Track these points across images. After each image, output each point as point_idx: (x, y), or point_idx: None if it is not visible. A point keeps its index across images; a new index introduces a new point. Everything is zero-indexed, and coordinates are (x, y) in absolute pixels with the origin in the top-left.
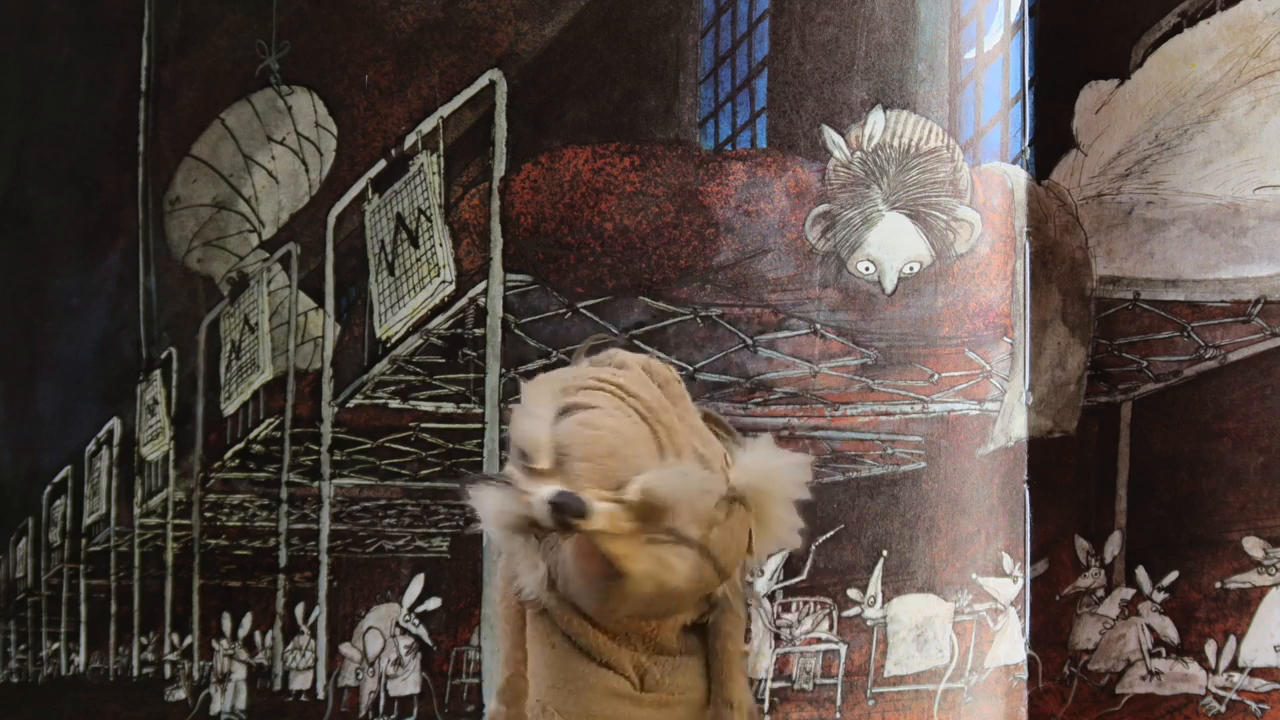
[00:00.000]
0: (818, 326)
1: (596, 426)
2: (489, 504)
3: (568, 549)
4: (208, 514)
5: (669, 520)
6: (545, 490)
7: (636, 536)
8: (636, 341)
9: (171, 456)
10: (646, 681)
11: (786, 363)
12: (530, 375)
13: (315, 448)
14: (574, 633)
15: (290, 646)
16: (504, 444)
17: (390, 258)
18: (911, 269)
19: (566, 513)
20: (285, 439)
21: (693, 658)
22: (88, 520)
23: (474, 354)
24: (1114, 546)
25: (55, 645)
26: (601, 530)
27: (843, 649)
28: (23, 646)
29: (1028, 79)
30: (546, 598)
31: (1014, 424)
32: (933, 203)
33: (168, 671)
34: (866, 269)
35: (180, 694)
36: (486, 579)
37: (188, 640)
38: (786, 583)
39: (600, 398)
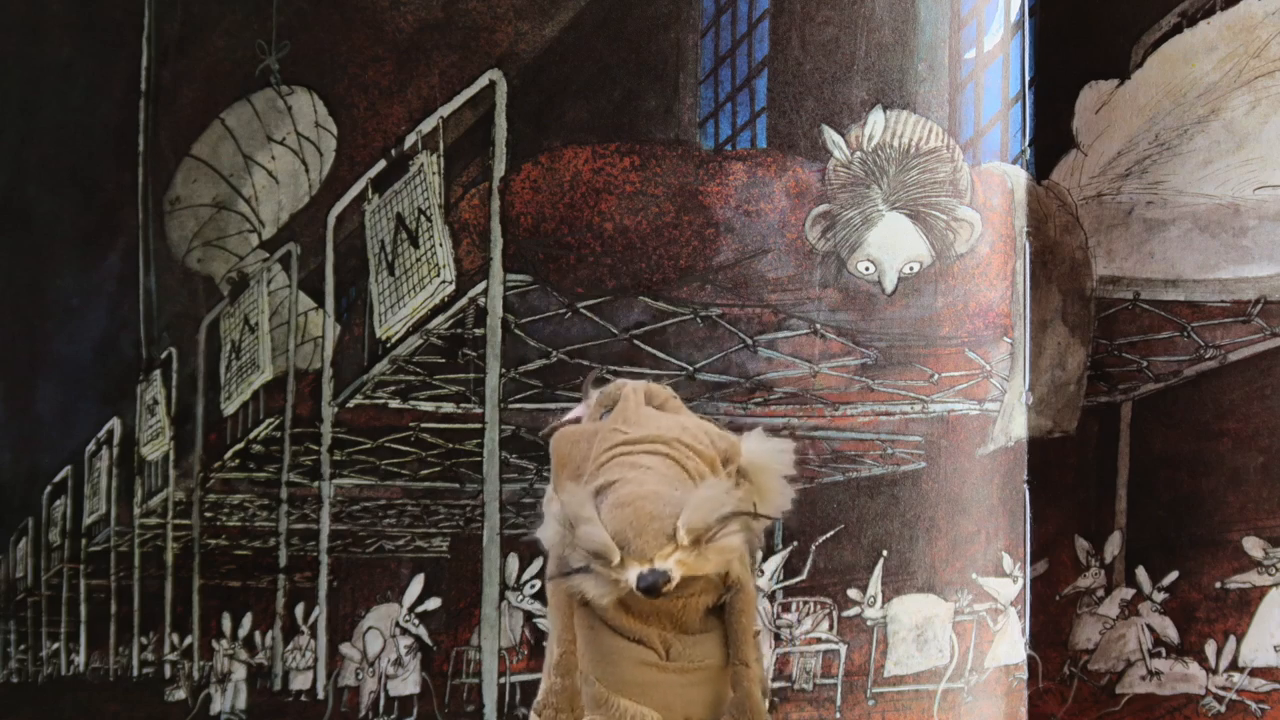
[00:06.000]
0: (818, 326)
1: (628, 503)
2: (591, 589)
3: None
4: (208, 514)
5: (715, 528)
6: (631, 577)
7: (702, 553)
8: (638, 342)
9: (171, 456)
10: (671, 653)
11: (786, 363)
12: (548, 435)
13: (315, 448)
14: (610, 618)
15: (290, 646)
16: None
17: (390, 258)
18: (911, 269)
19: (657, 588)
20: (285, 439)
21: (712, 634)
22: (88, 520)
23: (474, 354)
24: (1114, 546)
25: (55, 645)
26: (683, 574)
27: (843, 649)
28: (23, 646)
29: (1028, 79)
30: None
31: (1014, 424)
32: (933, 203)
33: (168, 671)
34: (866, 269)
35: (180, 694)
36: (486, 579)
37: (188, 640)
38: (786, 583)
39: (617, 468)
